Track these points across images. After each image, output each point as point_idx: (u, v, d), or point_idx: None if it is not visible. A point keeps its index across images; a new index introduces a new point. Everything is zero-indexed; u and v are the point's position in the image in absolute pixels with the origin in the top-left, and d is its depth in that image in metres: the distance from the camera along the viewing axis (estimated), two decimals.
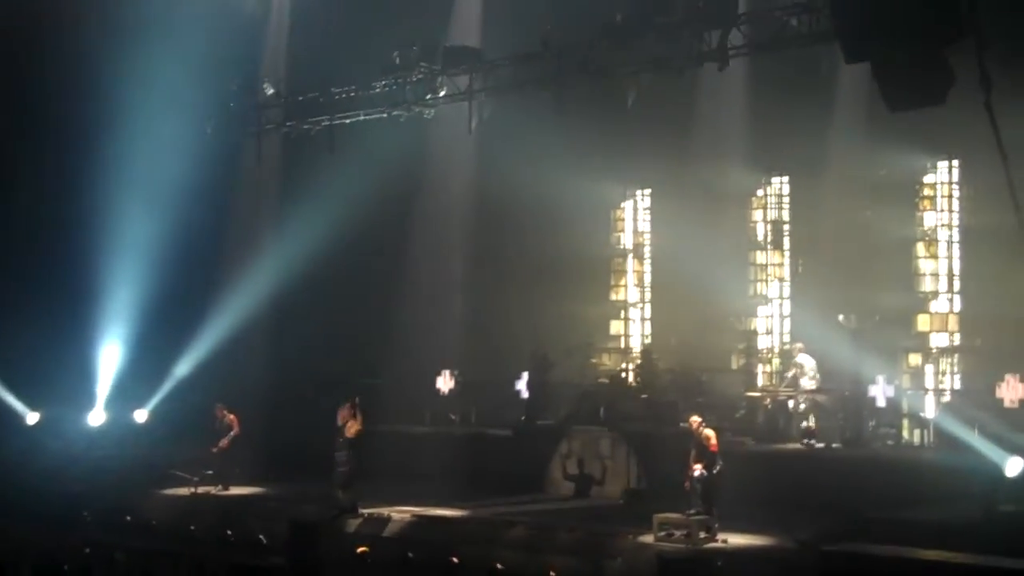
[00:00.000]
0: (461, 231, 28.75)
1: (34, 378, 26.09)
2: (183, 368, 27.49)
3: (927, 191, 24.57)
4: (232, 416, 23.71)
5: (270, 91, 26.89)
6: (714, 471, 18.18)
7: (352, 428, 20.87)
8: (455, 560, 18.01)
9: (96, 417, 27.12)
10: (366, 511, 20.79)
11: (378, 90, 25.30)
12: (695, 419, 18.91)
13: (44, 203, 27.21)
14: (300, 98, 26.53)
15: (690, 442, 18.73)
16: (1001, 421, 19.63)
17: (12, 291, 26.20)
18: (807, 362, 22.78)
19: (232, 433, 23.58)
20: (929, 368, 24.06)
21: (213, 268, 27.72)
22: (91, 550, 17.80)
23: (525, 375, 25.77)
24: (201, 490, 23.41)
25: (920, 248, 24.59)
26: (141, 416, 27.17)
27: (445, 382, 27.15)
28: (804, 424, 22.20)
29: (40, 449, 25.74)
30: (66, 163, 27.09)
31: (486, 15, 26.63)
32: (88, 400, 27.21)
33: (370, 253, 27.85)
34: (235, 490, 23.59)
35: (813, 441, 21.78)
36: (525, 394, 25.77)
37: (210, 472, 23.53)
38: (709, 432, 18.52)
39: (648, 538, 18.08)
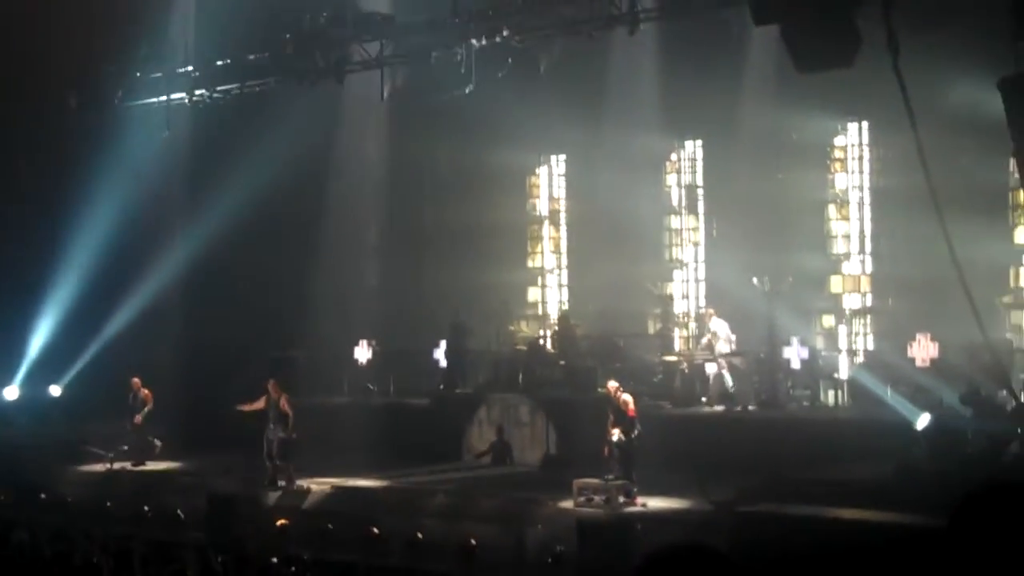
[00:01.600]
0: (375, 200, 28.56)
1: None
2: (99, 343, 27.07)
3: (838, 153, 24.79)
4: (147, 391, 23.39)
5: (179, 58, 26.43)
6: (632, 436, 18.27)
7: (284, 404, 20.76)
8: (376, 531, 17.99)
9: (10, 392, 26.67)
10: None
11: (289, 57, 24.94)
12: (612, 384, 18.99)
13: None
14: (210, 65, 26.10)
15: (608, 407, 18.80)
16: (913, 379, 19.93)
17: None
18: (720, 327, 22.92)
19: (147, 408, 23.26)
20: (842, 329, 24.32)
21: (126, 241, 27.26)
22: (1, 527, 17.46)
23: (443, 343, 25.70)
24: (117, 466, 23.11)
25: (832, 210, 24.82)
26: (56, 391, 26.75)
27: (363, 352, 26.98)
28: (721, 388, 22.35)
29: None
30: None
31: None
32: (6, 377, 26.77)
33: (284, 224, 27.53)
34: (151, 465, 23.31)
35: (729, 404, 21.95)
36: (443, 363, 25.70)
37: (126, 448, 23.23)
38: (627, 397, 18.61)
39: (568, 504, 18.16)
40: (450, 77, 23.18)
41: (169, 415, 24.09)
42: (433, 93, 23.91)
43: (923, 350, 20.69)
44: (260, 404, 21.17)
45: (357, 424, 23.79)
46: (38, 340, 27.29)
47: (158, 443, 23.35)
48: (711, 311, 23.68)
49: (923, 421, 17.85)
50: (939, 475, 15.89)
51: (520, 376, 24.04)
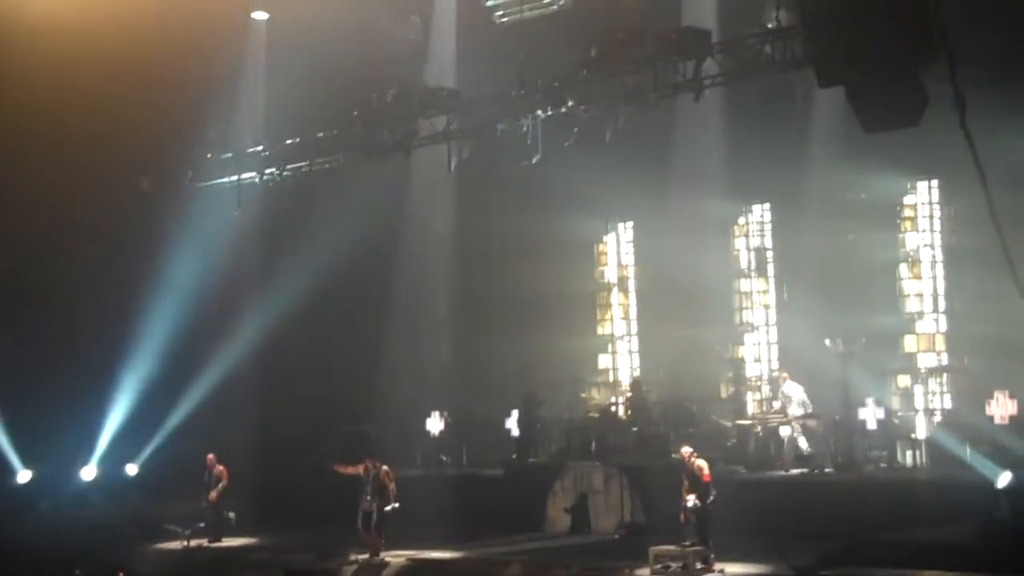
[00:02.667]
0: (444, 271, 28.76)
1: (37, 437, 26.07)
2: (174, 421, 27.36)
3: (908, 212, 24.63)
4: (221, 467, 23.54)
5: (249, 139, 26.93)
6: (708, 501, 18.11)
7: (385, 476, 20.81)
8: None
9: (88, 472, 26.97)
10: (361, 556, 20.68)
11: (357, 134, 25.34)
12: (686, 450, 18.85)
13: None
14: (279, 145, 26.54)
15: (682, 473, 18.66)
16: (993, 437, 19.63)
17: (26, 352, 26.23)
18: (795, 390, 22.75)
19: (221, 484, 23.40)
20: (918, 388, 24.04)
21: (201, 319, 27.61)
22: None
23: (515, 413, 25.68)
24: (193, 543, 23.21)
25: (904, 269, 24.63)
26: (132, 470, 27.02)
27: (435, 423, 27.04)
28: (796, 451, 22.14)
29: (31, 507, 25.58)
30: None
31: (460, 55, 26.68)
32: (84, 457, 27.11)
33: (355, 298, 27.77)
34: (227, 542, 23.40)
35: (805, 468, 21.72)
36: (515, 432, 25.67)
37: (202, 525, 23.35)
38: (701, 462, 18.46)
39: (645, 572, 17.99)
40: (516, 148, 23.43)
41: (244, 492, 24.22)
42: (500, 165, 24.16)
43: (1002, 408, 20.37)
44: (358, 471, 21.16)
45: (431, 496, 23.78)
46: (114, 419, 27.62)
47: (232, 516, 23.46)
48: (785, 375, 23.49)
49: (1004, 480, 17.56)
50: (1021, 535, 15.60)
51: (593, 444, 23.95)
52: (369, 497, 20.83)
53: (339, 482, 21.57)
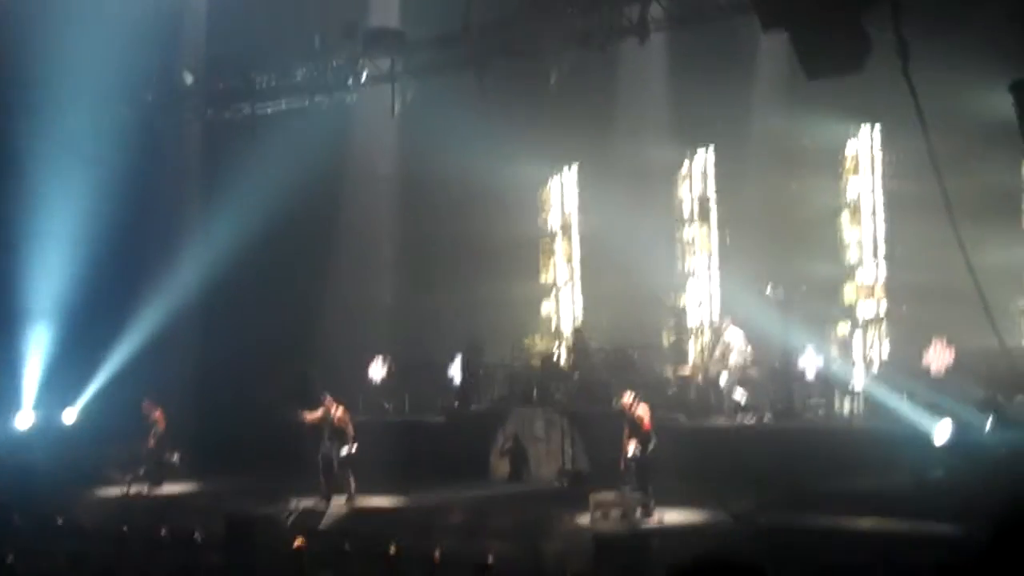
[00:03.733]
0: (387, 216, 28.50)
1: None
2: (111, 364, 27.01)
3: (850, 159, 24.64)
4: (158, 412, 23.32)
5: (189, 79, 26.46)
6: (648, 449, 18.15)
7: (343, 417, 20.62)
8: (393, 550, 17.86)
9: (23, 419, 26.61)
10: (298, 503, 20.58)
11: (299, 76, 24.97)
12: (628, 397, 18.86)
13: None
14: (220, 86, 26.12)
15: (624, 420, 18.69)
16: (929, 387, 19.76)
17: None
18: (735, 337, 22.80)
19: (158, 429, 23.19)
20: (857, 337, 24.15)
21: (137, 261, 27.25)
22: (15, 556, 17.42)
23: (457, 360, 25.60)
24: (133, 490, 23.03)
25: (845, 217, 24.66)
26: (70, 416, 26.69)
27: (377, 369, 26.91)
28: (735, 398, 22.22)
29: None
30: None
31: None
32: (14, 402, 26.70)
33: (296, 241, 27.45)
34: (168, 488, 23.23)
35: (745, 415, 21.81)
36: (457, 379, 25.60)
37: (142, 471, 23.15)
38: (643, 410, 18.49)
39: (585, 519, 18.04)
40: (461, 91, 23.20)
41: (186, 436, 24.03)
42: (445, 107, 23.91)
43: (939, 356, 20.51)
44: (319, 416, 21.05)
45: (372, 442, 23.68)
46: (51, 363, 27.17)
47: (177, 458, 23.26)
48: (727, 320, 23.54)
49: (941, 430, 17.70)
50: (959, 484, 15.74)
51: (534, 391, 23.94)
52: (328, 440, 20.70)
53: (299, 430, 21.45)
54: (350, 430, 20.70)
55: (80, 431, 26.38)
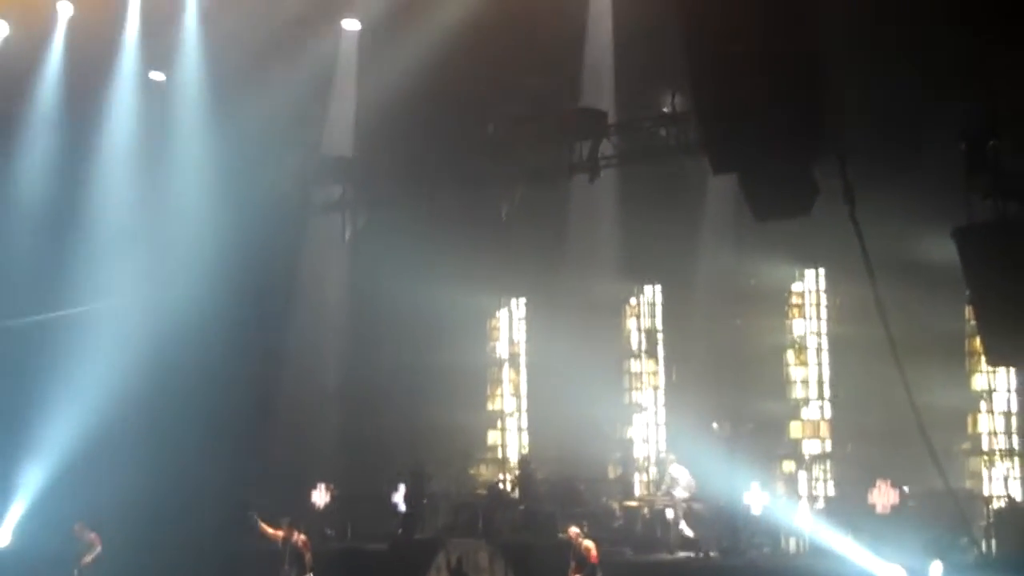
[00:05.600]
0: (335, 342, 28.44)
1: None
2: (38, 489, 26.53)
3: (796, 299, 24.96)
4: (92, 534, 22.93)
5: None
6: None
7: (302, 545, 20.33)
8: None
9: None
10: None
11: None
12: (574, 530, 18.79)
13: None
14: None
15: (570, 553, 18.57)
16: (874, 527, 19.80)
17: None
18: (680, 473, 22.81)
19: (95, 551, 22.77)
20: (802, 475, 24.23)
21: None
22: None
23: (402, 487, 25.40)
24: None
25: (790, 355, 24.90)
26: (3, 539, 26.19)
27: (320, 495, 26.63)
28: (681, 534, 22.14)
29: None
30: None
31: (359, 125, 26.63)
32: None
33: (241, 367, 27.28)
34: None
35: (691, 552, 21.72)
36: (402, 507, 25.37)
37: None
38: (589, 543, 18.42)
39: None
40: (413, 221, 23.42)
41: (122, 564, 23.52)
42: (396, 235, 24.10)
43: (883, 496, 20.63)
44: (278, 536, 20.69)
45: (316, 570, 23.35)
46: None
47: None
48: (672, 457, 23.57)
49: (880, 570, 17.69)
50: None
51: (480, 521, 23.75)
52: (287, 566, 20.38)
53: (241, 561, 21.10)
54: (308, 558, 20.42)
55: (13, 553, 25.84)
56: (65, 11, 26.37)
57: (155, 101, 27.29)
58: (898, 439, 19.50)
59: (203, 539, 24.42)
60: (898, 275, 17.75)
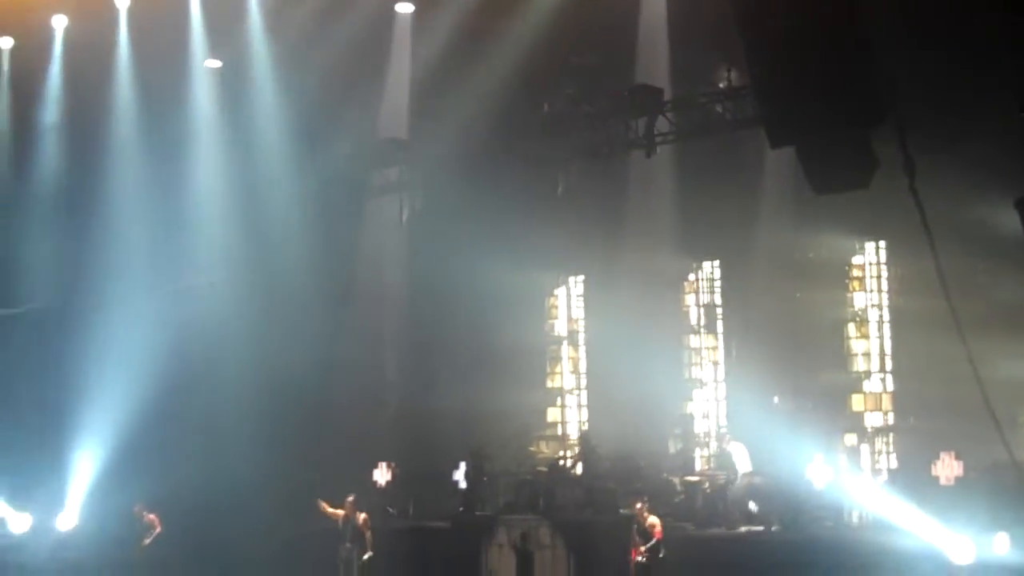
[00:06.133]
0: (395, 322, 28.61)
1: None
2: (102, 466, 26.94)
3: (856, 272, 24.83)
4: (152, 515, 23.27)
5: None
6: (658, 558, 18.06)
7: (363, 522, 20.48)
8: None
9: (22, 523, 26.51)
10: None
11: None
12: (640, 504, 18.78)
13: None
14: None
15: (633, 527, 18.58)
16: (938, 500, 19.69)
17: None
18: (738, 449, 22.79)
19: (155, 532, 23.11)
20: (865, 448, 24.13)
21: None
22: None
23: (463, 465, 25.54)
24: None
25: (851, 328, 24.78)
26: (66, 522, 26.59)
27: (382, 474, 26.83)
28: (743, 509, 22.12)
29: None
30: None
31: (413, 107, 26.73)
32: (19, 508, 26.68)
33: (304, 344, 27.52)
34: None
35: (753, 527, 21.71)
36: (463, 484, 25.52)
37: None
38: (654, 520, 18.42)
39: None
40: (468, 200, 23.48)
41: (186, 544, 23.86)
42: (453, 216, 24.18)
43: (947, 468, 20.50)
44: (338, 515, 20.89)
45: (378, 548, 23.57)
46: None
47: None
48: (727, 435, 23.55)
49: (961, 548, 17.57)
50: None
51: (540, 498, 23.84)
52: (349, 544, 20.54)
53: (303, 540, 21.30)
54: (369, 536, 20.58)
55: (77, 535, 26.25)
56: (123, 2, 26.70)
57: (213, 88, 27.57)
58: (961, 411, 19.39)
59: (263, 520, 24.67)
60: (960, 246, 17.67)
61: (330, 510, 20.95)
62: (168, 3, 26.15)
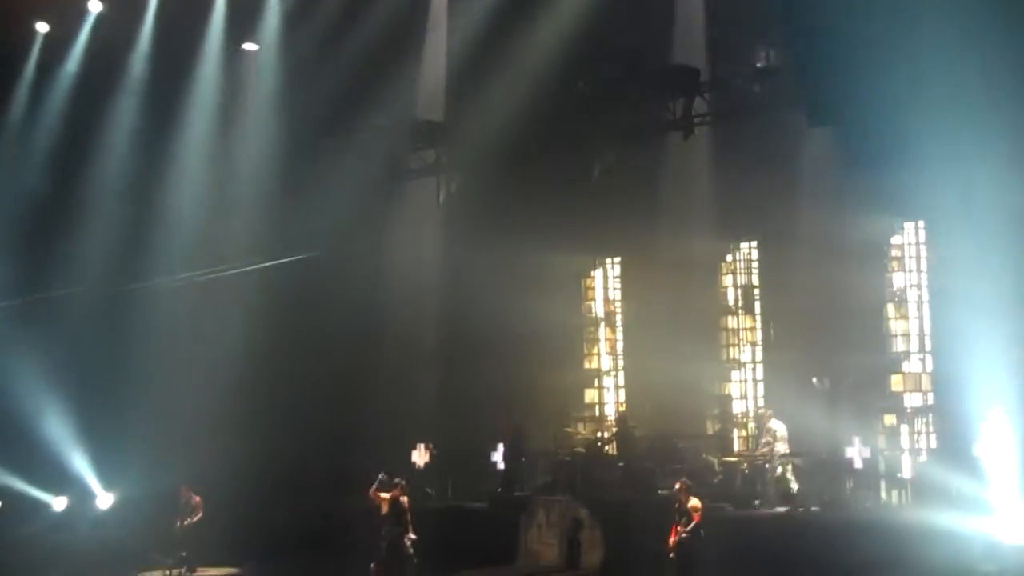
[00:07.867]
0: (432, 304, 28.71)
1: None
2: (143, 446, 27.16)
3: (895, 252, 24.71)
4: (197, 498, 23.45)
5: None
6: (698, 538, 18.08)
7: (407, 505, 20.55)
8: None
9: (59, 502, 26.80)
10: None
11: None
12: (681, 484, 18.79)
13: None
14: None
15: (675, 506, 18.58)
16: (978, 477, 19.63)
17: None
18: (779, 428, 22.74)
19: (198, 516, 23.28)
20: (904, 428, 24.07)
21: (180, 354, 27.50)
22: None
23: (500, 446, 25.64)
24: (175, 572, 23.08)
25: (890, 309, 24.69)
26: (106, 500, 26.84)
27: (420, 455, 26.96)
28: (783, 488, 22.11)
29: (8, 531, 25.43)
30: None
31: (450, 89, 26.76)
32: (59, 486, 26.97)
33: (340, 329, 27.66)
34: (207, 571, 23.25)
35: (791, 507, 21.70)
36: (501, 465, 25.62)
37: (184, 553, 23.21)
38: (696, 502, 18.42)
39: None
40: (505, 182, 23.51)
41: (225, 522, 24.05)
42: (488, 197, 24.21)
43: (987, 448, 20.40)
44: (385, 499, 20.90)
45: (415, 527, 23.69)
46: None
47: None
48: (769, 412, 23.49)
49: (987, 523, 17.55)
50: None
51: (578, 478, 23.91)
52: (399, 528, 20.57)
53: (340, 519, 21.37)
54: (410, 518, 20.63)
55: (119, 514, 26.52)
56: None
57: (248, 71, 27.72)
58: (1001, 391, 19.30)
59: (306, 500, 24.87)
60: (1000, 226, 17.55)
61: (384, 495, 20.92)
62: None
